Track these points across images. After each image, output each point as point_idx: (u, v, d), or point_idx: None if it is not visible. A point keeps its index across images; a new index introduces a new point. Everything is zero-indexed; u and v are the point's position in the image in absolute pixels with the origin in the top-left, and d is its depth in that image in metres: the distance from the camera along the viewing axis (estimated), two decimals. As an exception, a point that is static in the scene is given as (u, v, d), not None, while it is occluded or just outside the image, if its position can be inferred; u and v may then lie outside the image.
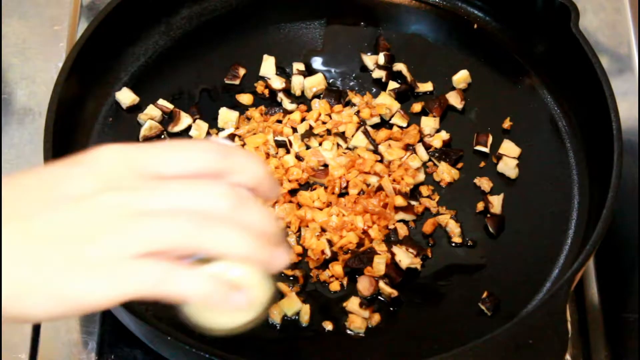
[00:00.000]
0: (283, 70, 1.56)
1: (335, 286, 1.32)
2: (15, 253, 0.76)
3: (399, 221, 1.39)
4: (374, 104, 1.51)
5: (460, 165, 1.46)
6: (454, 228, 1.38)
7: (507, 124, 1.50)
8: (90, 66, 1.44)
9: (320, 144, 1.47)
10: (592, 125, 1.42)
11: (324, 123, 1.49)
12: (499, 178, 1.45)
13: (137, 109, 1.50)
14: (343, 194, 1.42)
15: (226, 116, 1.49)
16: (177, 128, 1.48)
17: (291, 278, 1.32)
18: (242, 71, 1.55)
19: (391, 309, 1.31)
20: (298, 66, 1.55)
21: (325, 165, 1.44)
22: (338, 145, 1.47)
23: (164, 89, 1.53)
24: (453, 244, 1.37)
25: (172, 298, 0.80)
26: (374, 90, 1.55)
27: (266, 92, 1.54)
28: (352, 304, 1.29)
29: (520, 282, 1.33)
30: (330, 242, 1.34)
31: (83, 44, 1.41)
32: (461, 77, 1.54)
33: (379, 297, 1.31)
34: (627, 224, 1.45)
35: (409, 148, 1.47)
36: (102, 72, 1.49)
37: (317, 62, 1.58)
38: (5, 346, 1.31)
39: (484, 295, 1.30)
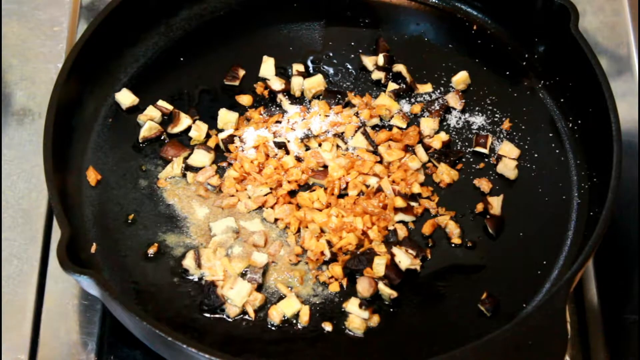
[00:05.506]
0: (283, 71, 1.57)
1: (334, 287, 1.32)
2: None
3: (399, 222, 1.39)
4: (373, 105, 1.51)
5: (459, 166, 1.46)
6: (453, 229, 1.38)
7: (506, 125, 1.50)
8: (90, 67, 1.44)
9: (319, 145, 1.47)
10: (592, 127, 1.42)
11: (323, 124, 1.49)
12: (498, 179, 1.45)
13: (136, 109, 1.50)
14: (342, 195, 1.42)
15: (226, 117, 1.49)
16: (177, 129, 1.48)
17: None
18: (241, 72, 1.56)
19: (391, 309, 1.31)
20: (298, 67, 1.56)
21: (325, 166, 1.44)
22: (337, 146, 1.47)
23: (163, 90, 1.53)
24: (452, 245, 1.37)
25: None
26: (374, 91, 1.55)
27: (266, 93, 1.54)
28: (352, 304, 1.29)
29: (519, 283, 1.33)
30: (329, 243, 1.34)
31: (82, 45, 1.41)
32: (460, 79, 1.55)
33: (379, 298, 1.32)
34: (627, 225, 1.45)
35: (408, 149, 1.47)
36: (101, 73, 1.49)
37: (316, 63, 1.58)
38: (5, 346, 1.32)
39: (484, 296, 1.30)
